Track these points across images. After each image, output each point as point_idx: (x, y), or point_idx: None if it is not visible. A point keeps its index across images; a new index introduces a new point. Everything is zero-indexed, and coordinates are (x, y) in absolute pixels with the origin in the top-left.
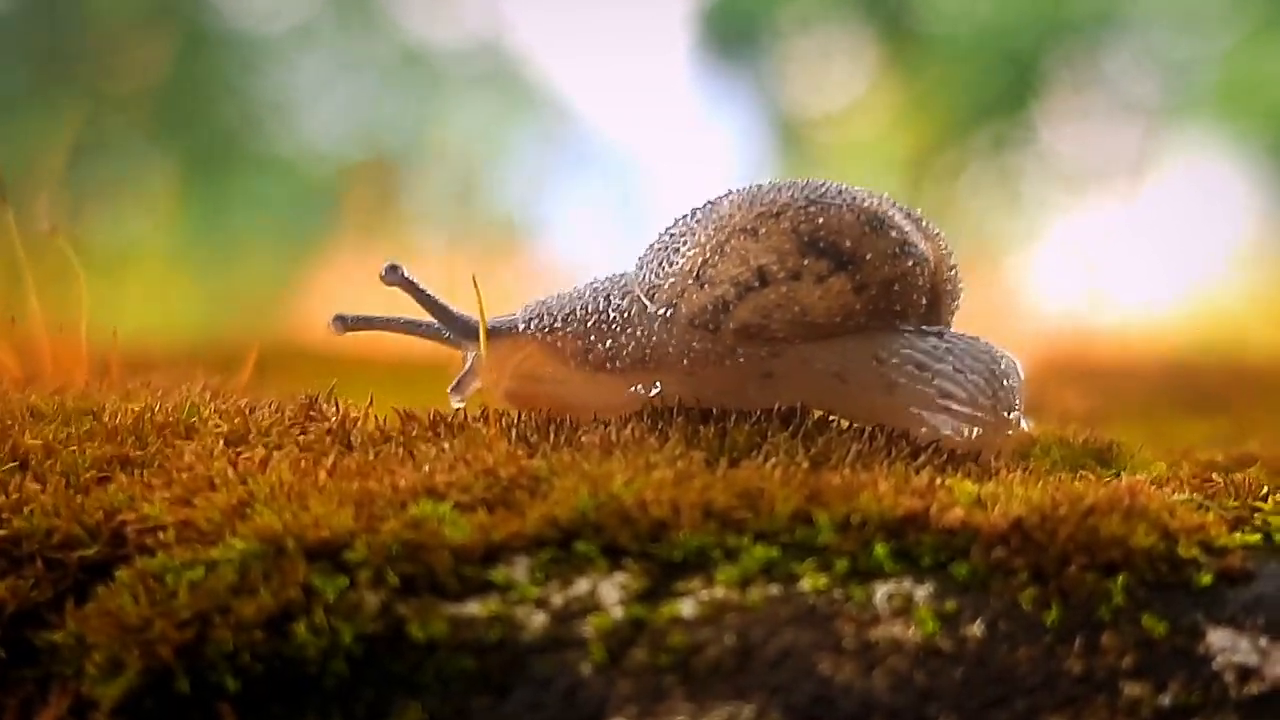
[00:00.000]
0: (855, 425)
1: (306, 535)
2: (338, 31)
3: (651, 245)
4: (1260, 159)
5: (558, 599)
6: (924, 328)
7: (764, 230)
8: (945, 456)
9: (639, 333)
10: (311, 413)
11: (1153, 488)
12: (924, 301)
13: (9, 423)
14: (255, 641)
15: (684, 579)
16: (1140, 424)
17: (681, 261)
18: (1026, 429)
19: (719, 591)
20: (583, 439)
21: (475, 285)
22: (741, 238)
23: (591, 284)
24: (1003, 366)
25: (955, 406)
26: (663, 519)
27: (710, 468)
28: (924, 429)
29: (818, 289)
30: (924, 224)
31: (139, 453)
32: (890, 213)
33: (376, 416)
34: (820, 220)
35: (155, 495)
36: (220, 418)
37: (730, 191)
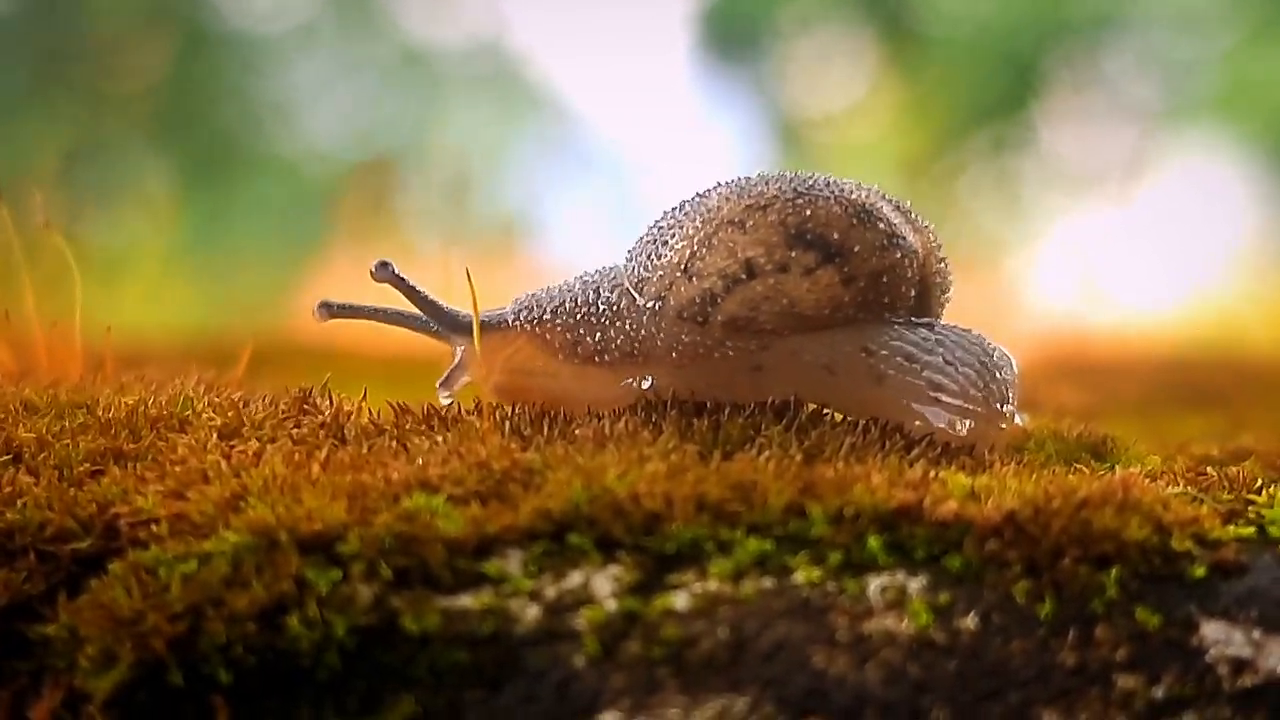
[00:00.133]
0: (849, 418)
1: (299, 528)
2: (337, 32)
3: (641, 238)
4: (1260, 160)
5: (551, 591)
6: (914, 319)
7: (751, 223)
8: (939, 449)
9: (628, 326)
10: (305, 406)
11: (1146, 481)
12: (913, 293)
13: (2, 416)
14: (248, 634)
15: (677, 572)
16: (1136, 419)
17: (670, 254)
18: (1021, 423)
19: (712, 584)
20: (576, 432)
21: (469, 279)
22: (729, 230)
23: (581, 277)
24: (995, 359)
25: (945, 398)
26: (656, 511)
27: (704, 460)
28: (917, 422)
29: (805, 281)
30: (913, 216)
31: (132, 446)
32: (878, 205)
33: (370, 410)
34: (808, 212)
35: (148, 488)
36: (214, 411)
37: (719, 184)
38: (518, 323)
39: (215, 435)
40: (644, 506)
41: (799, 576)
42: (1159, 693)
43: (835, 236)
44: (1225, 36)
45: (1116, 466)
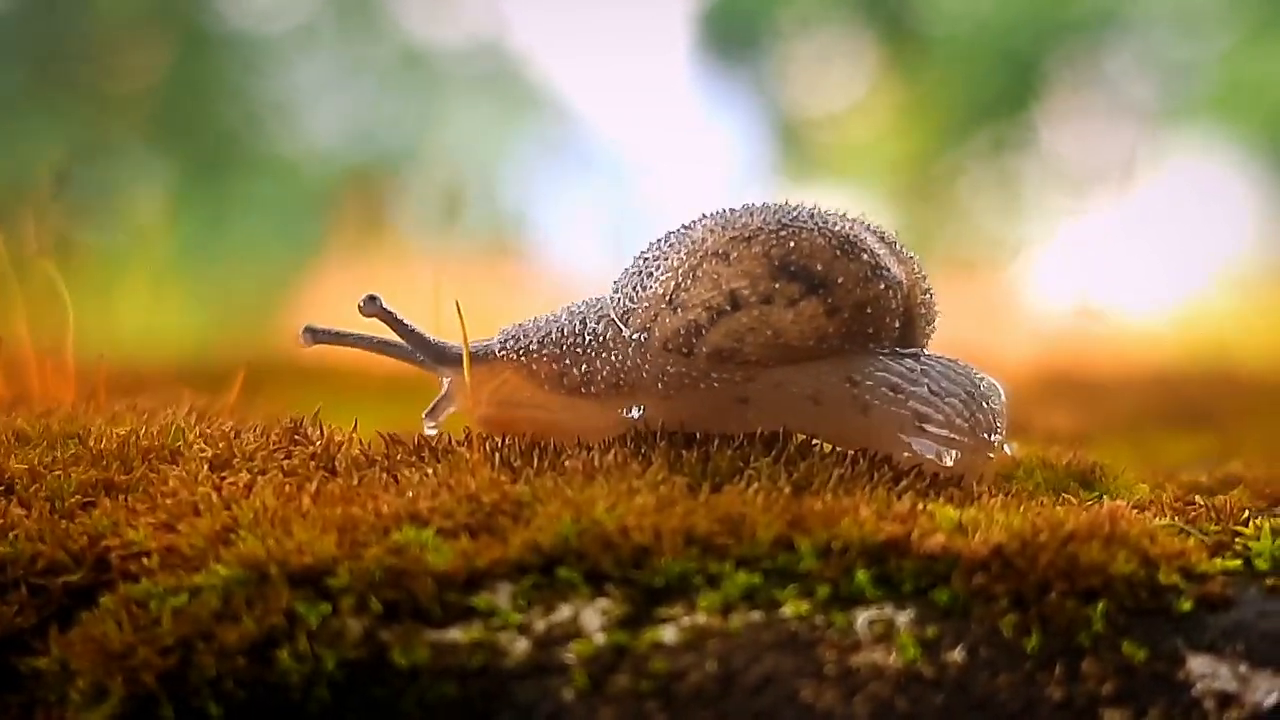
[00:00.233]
0: (838, 450)
1: (290, 561)
2: (337, 32)
3: (627, 269)
4: (1260, 161)
5: (540, 625)
6: (900, 350)
7: (735, 254)
8: (927, 481)
9: (614, 357)
10: (296, 437)
11: (1134, 512)
12: (897, 324)
13: None
14: (238, 668)
15: (666, 605)
16: (1126, 442)
17: (655, 286)
18: (1009, 452)
19: (701, 618)
20: (566, 464)
21: (459, 311)
22: (714, 262)
23: (568, 308)
24: (982, 389)
25: (931, 429)
26: (645, 545)
27: (692, 493)
28: (906, 453)
29: (789, 312)
30: (898, 247)
31: (124, 477)
32: (862, 236)
33: (361, 440)
34: (791, 244)
35: (140, 521)
36: (205, 442)
37: (704, 216)
38: (504, 353)
39: (206, 466)
40: (633, 540)
41: (787, 610)
42: None
43: (819, 268)
44: (1224, 37)
45: (1105, 496)
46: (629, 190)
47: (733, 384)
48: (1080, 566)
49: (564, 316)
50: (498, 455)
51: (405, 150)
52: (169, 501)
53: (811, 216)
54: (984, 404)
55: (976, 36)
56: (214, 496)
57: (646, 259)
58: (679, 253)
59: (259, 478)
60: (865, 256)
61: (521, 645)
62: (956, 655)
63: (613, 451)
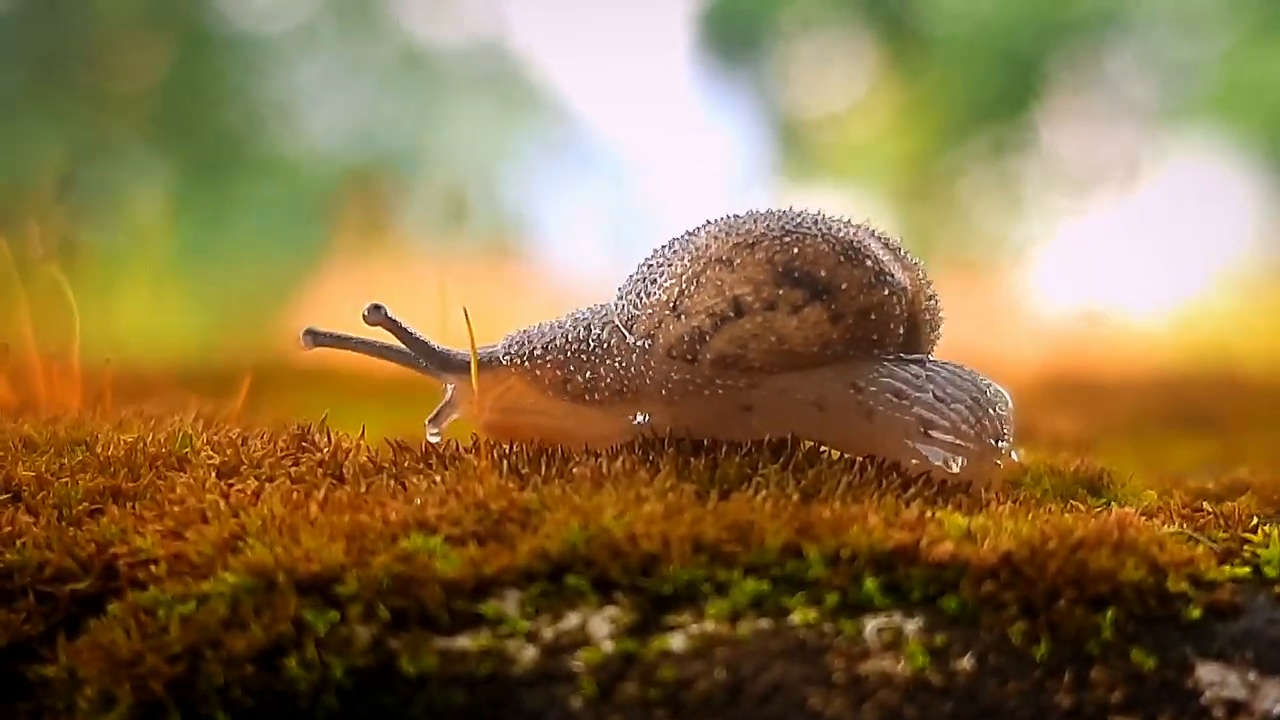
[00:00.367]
0: (846, 457)
1: (298, 569)
2: (338, 33)
3: (630, 276)
4: (1260, 161)
5: (548, 633)
6: (904, 356)
7: (739, 261)
8: (935, 488)
9: (618, 363)
10: (303, 443)
11: (1142, 520)
12: (901, 331)
13: (2, 454)
14: (246, 676)
15: (674, 613)
16: (1131, 446)
17: (659, 293)
18: (1017, 459)
19: (709, 625)
20: (574, 471)
21: (466, 317)
22: (717, 268)
23: (573, 314)
24: (989, 395)
25: (937, 435)
26: (653, 552)
27: (701, 500)
28: (914, 460)
29: (793, 319)
30: (902, 253)
31: (131, 484)
32: (866, 242)
33: (368, 448)
34: (795, 250)
35: (147, 528)
36: (212, 449)
37: (708, 222)
38: (509, 359)
39: (214, 474)
40: (641, 547)
41: (796, 617)
42: None
43: (823, 274)
44: (1224, 37)
45: (1113, 503)
46: (629, 190)
47: (737, 390)
48: (1089, 574)
49: (568, 323)
50: (506, 462)
51: (406, 150)
52: (176, 509)
53: (815, 222)
54: (990, 410)
55: (977, 37)
56: (222, 504)
57: (650, 265)
58: (682, 259)
59: (267, 485)
60: (869, 263)
61: (529, 653)
62: (965, 663)
63: (621, 459)
